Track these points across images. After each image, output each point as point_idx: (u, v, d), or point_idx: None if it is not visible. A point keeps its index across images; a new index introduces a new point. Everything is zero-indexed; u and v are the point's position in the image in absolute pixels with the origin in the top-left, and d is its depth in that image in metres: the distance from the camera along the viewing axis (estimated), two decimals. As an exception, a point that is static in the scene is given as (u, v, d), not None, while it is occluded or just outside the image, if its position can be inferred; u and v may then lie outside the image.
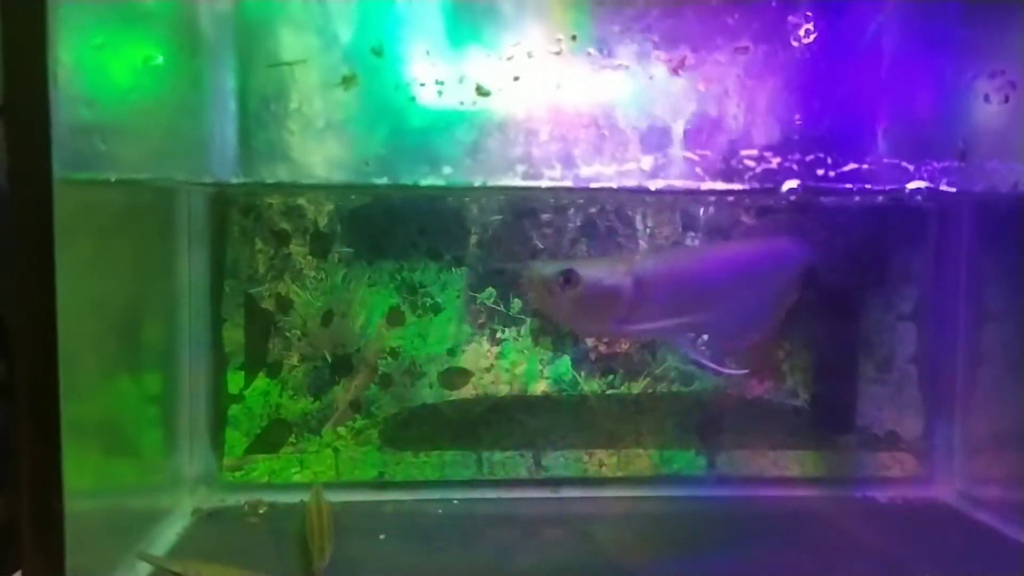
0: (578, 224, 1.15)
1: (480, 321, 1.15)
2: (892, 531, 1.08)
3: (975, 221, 1.13)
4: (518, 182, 0.93)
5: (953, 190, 0.93)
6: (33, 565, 0.70)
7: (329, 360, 1.14)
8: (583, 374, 1.17)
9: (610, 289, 0.88)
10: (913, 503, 1.17)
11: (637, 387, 1.17)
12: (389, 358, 1.15)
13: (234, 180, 1.01)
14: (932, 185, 0.92)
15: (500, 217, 1.13)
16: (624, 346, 1.16)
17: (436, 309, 1.15)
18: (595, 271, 0.90)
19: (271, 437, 1.13)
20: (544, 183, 0.94)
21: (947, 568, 0.96)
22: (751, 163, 0.90)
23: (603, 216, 1.15)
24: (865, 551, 1.02)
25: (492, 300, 1.15)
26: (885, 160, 0.92)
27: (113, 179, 0.81)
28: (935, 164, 0.93)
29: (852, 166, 0.90)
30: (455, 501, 1.14)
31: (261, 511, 1.09)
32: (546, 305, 0.94)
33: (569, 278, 0.88)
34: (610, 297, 0.88)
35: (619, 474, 1.17)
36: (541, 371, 1.16)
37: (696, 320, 0.94)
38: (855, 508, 1.15)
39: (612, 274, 0.89)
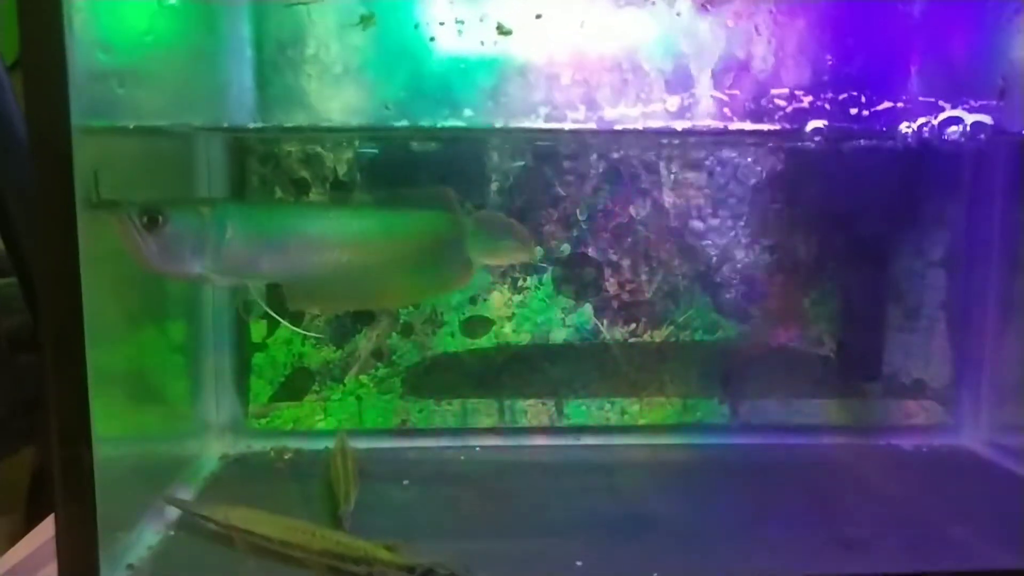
0: (601, 171, 1.13)
1: (501, 269, 1.15)
2: (917, 479, 1.08)
3: (1011, 164, 1.10)
4: (540, 124, 0.91)
5: (990, 127, 0.88)
6: (65, 513, 0.71)
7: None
8: (605, 322, 1.16)
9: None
10: (939, 451, 1.16)
11: (660, 335, 1.16)
12: (411, 307, 1.14)
13: (251, 125, 0.99)
14: (968, 124, 0.88)
15: (522, 163, 1.12)
16: (647, 294, 1.15)
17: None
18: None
19: (295, 385, 1.14)
20: (567, 125, 0.92)
21: (972, 515, 0.95)
22: (781, 102, 0.87)
23: (626, 163, 1.13)
24: (889, 499, 1.02)
25: (514, 248, 1.14)
26: (920, 99, 0.88)
27: (132, 126, 0.80)
28: (972, 102, 0.89)
29: (886, 105, 0.87)
30: (477, 448, 1.15)
31: (287, 457, 1.11)
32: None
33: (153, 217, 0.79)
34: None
35: (641, 422, 1.17)
36: (563, 319, 1.15)
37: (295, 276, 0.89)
38: (880, 456, 1.14)
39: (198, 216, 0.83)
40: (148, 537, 0.86)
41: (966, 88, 0.91)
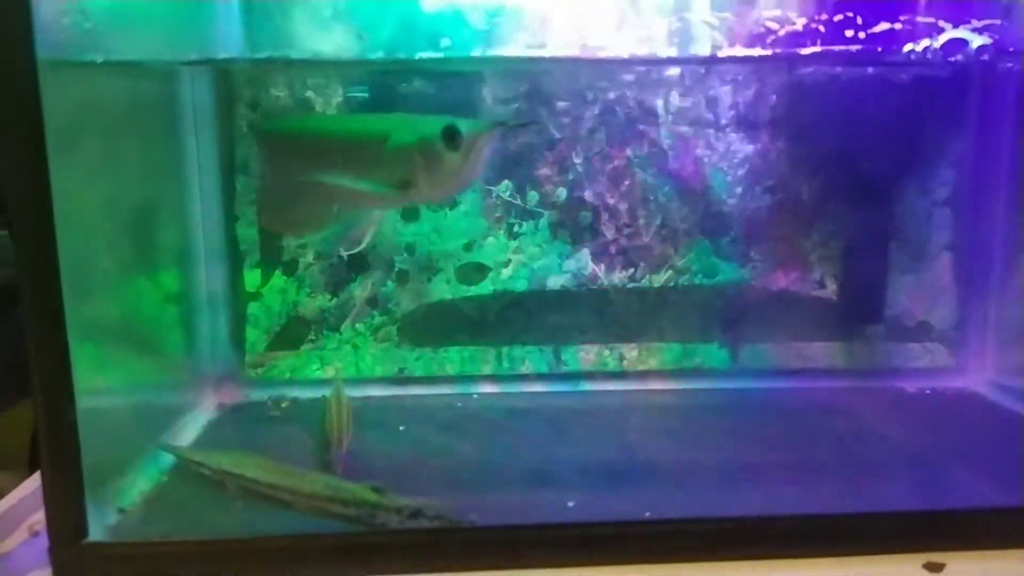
0: (596, 112, 1.10)
1: (496, 215, 1.13)
2: (920, 422, 1.06)
3: (1018, 92, 1.05)
4: (523, 52, 0.88)
5: (993, 48, 0.83)
6: (50, 460, 0.71)
7: (344, 257, 1.12)
8: (603, 267, 1.14)
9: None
10: (944, 393, 1.14)
11: (659, 280, 1.14)
12: (405, 254, 1.13)
13: (237, 56, 0.97)
14: (973, 46, 0.84)
15: (515, 106, 1.09)
16: (645, 238, 1.13)
17: (451, 203, 1.12)
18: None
19: (290, 335, 1.14)
20: (549, 52, 0.89)
21: (975, 457, 0.93)
22: (773, 24, 0.83)
23: (623, 102, 1.10)
24: (891, 441, 1.00)
25: (508, 193, 1.12)
26: (920, 19, 0.84)
27: (99, 60, 0.78)
28: (976, 21, 0.84)
29: (884, 26, 0.83)
30: (475, 395, 1.14)
31: (284, 406, 1.10)
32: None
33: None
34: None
35: (640, 368, 1.16)
36: (560, 265, 1.14)
37: None
38: (883, 399, 1.13)
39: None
40: (141, 483, 0.86)
41: (970, 6, 0.85)
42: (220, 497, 0.83)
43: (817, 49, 0.83)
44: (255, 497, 0.82)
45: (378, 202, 0.90)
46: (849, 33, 0.82)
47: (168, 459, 0.91)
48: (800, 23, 0.83)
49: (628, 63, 0.96)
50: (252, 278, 1.12)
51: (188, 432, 1.01)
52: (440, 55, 0.91)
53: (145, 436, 0.93)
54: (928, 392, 1.14)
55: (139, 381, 0.96)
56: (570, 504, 0.81)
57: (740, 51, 0.85)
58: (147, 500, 0.84)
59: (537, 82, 1.08)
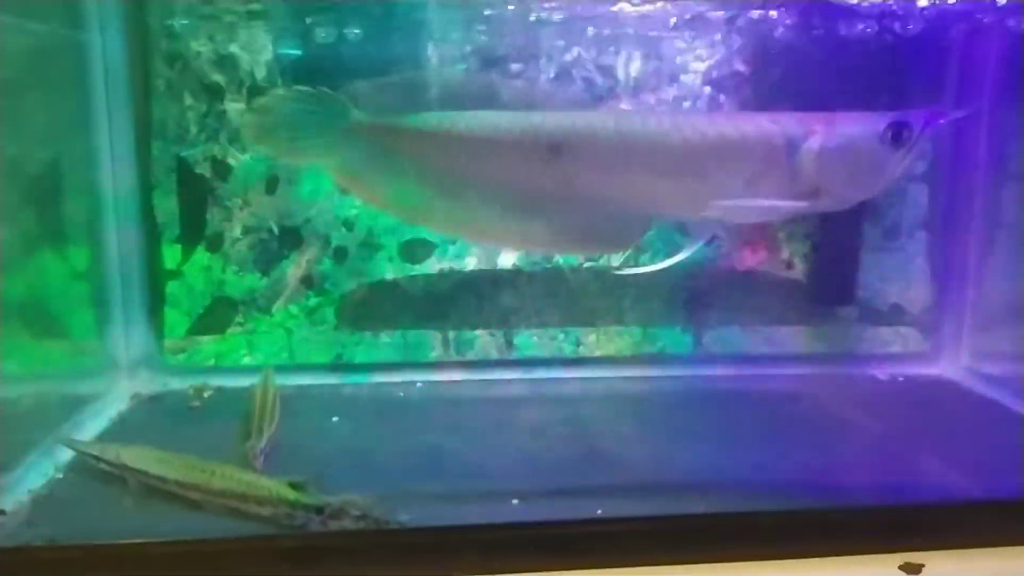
0: (552, 75, 1.02)
1: (444, 187, 1.04)
2: (891, 409, 1.00)
3: (1003, 64, 0.99)
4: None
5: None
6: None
7: (276, 232, 1.03)
8: (558, 245, 1.06)
9: None
10: (917, 380, 1.08)
11: (617, 259, 1.06)
12: (344, 229, 1.04)
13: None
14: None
15: (464, 67, 1.00)
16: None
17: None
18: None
19: (215, 317, 1.03)
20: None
21: (947, 445, 0.87)
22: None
23: (580, 64, 1.01)
24: (860, 431, 0.94)
25: (456, 164, 1.03)
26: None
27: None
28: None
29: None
30: (419, 384, 1.05)
31: (206, 395, 1.00)
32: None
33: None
34: None
35: (598, 353, 1.08)
36: (512, 242, 1.05)
37: None
38: (854, 386, 1.06)
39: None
40: (32, 479, 0.76)
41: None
42: (119, 495, 0.73)
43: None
44: (161, 496, 0.72)
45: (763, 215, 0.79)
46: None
47: (67, 454, 0.80)
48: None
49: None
50: (172, 254, 1.01)
51: (95, 423, 0.91)
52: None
53: (42, 428, 0.83)
54: (901, 379, 1.08)
55: (38, 367, 0.86)
56: (514, 502, 0.72)
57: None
58: (35, 499, 0.74)
59: (490, 34, 0.99)
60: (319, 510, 0.66)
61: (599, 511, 0.69)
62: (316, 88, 0.74)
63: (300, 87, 0.74)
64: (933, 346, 1.10)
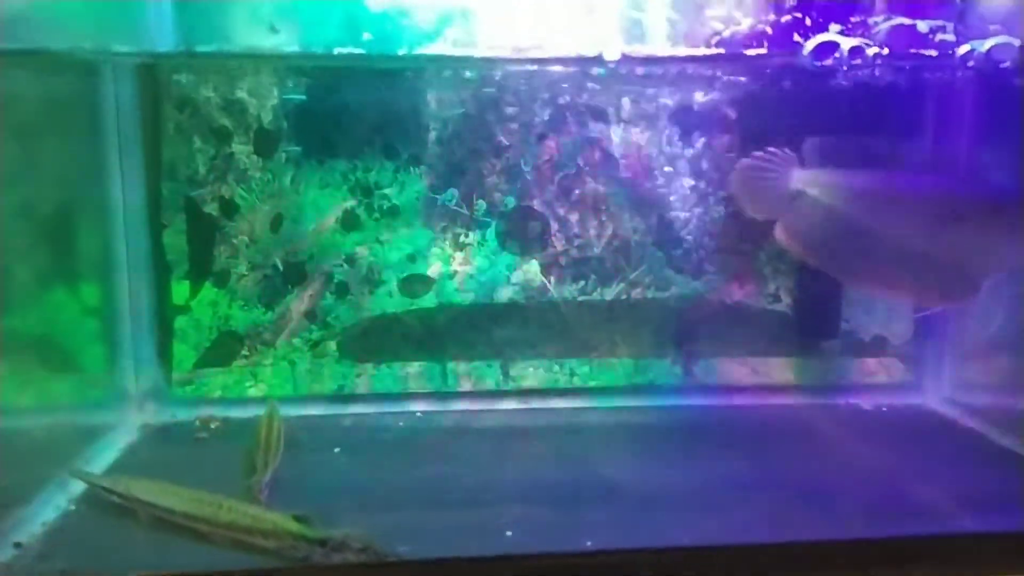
0: (546, 118, 1.06)
1: (442, 224, 1.08)
2: (875, 439, 1.03)
3: (980, 90, 1.02)
4: (449, 51, 0.83)
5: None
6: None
7: (280, 268, 1.06)
8: (553, 280, 1.10)
9: None
10: (900, 410, 1.11)
11: (610, 293, 1.10)
12: (345, 265, 1.08)
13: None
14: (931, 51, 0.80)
15: (461, 111, 1.05)
16: (596, 250, 1.09)
17: (393, 212, 1.07)
18: None
19: (221, 350, 1.07)
20: (478, 52, 0.84)
21: (928, 475, 0.90)
22: (719, 26, 0.79)
23: (574, 108, 1.06)
24: (846, 460, 0.97)
25: (454, 202, 1.07)
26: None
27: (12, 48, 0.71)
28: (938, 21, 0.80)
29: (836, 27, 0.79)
30: (418, 414, 1.08)
31: (213, 426, 1.03)
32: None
33: None
34: None
35: (591, 384, 1.12)
36: (508, 277, 1.09)
37: None
38: (838, 416, 1.09)
39: None
40: (46, 512, 0.79)
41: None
42: (131, 527, 0.76)
43: (763, 51, 0.79)
44: (170, 528, 0.75)
45: None
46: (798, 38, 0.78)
47: (80, 486, 0.84)
48: (747, 24, 0.79)
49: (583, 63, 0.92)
50: (180, 290, 1.05)
51: (106, 455, 0.94)
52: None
53: (56, 461, 0.86)
54: (885, 409, 1.11)
55: (52, 400, 0.89)
56: (508, 534, 0.76)
57: (684, 51, 0.81)
58: (49, 531, 0.77)
59: (488, 85, 1.04)
60: (321, 542, 0.69)
61: (588, 543, 0.72)
62: None
63: None
64: (916, 376, 1.13)
